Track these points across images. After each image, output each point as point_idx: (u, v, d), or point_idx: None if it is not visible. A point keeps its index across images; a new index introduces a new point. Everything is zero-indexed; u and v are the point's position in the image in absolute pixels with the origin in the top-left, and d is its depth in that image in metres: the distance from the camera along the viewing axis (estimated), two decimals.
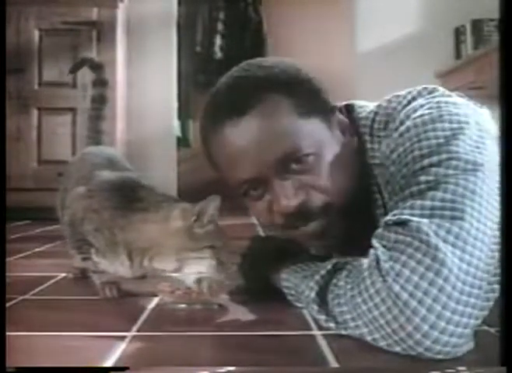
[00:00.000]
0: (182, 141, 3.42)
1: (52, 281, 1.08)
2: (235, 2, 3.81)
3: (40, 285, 1.03)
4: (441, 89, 0.78)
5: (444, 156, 0.66)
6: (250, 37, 3.79)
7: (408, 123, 0.72)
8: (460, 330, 0.57)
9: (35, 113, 2.69)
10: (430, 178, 0.65)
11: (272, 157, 0.74)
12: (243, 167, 0.75)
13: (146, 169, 2.59)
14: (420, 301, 0.57)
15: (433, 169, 0.65)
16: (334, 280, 0.69)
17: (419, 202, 0.63)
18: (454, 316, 0.57)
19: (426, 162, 0.66)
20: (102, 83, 1.24)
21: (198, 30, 3.74)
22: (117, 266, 0.88)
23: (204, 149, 0.83)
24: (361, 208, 0.80)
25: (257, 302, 0.86)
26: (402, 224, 0.62)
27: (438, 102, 0.73)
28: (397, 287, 0.58)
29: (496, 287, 0.61)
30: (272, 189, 0.76)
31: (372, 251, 0.65)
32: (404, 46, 3.11)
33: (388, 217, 0.65)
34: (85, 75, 1.29)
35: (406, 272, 0.59)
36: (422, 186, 0.65)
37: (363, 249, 0.67)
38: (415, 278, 0.58)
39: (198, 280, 0.83)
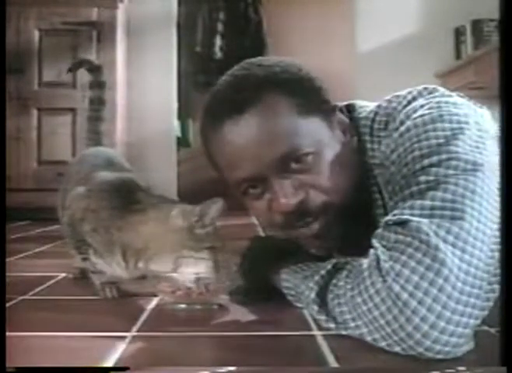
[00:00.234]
0: (182, 141, 3.42)
1: (52, 281, 1.08)
2: (235, 2, 3.81)
3: (40, 285, 1.03)
4: (441, 89, 0.78)
5: (444, 156, 0.66)
6: (250, 37, 3.78)
7: (409, 123, 0.72)
8: (460, 330, 0.57)
9: (35, 113, 2.69)
10: (430, 178, 0.65)
11: (272, 156, 0.74)
12: (243, 166, 0.75)
13: (146, 169, 2.59)
14: (420, 301, 0.57)
15: (433, 169, 0.65)
16: (334, 281, 0.69)
17: (419, 202, 0.63)
18: (453, 316, 0.57)
19: (426, 162, 0.66)
20: (99, 85, 1.24)
21: (198, 30, 3.74)
22: (114, 267, 0.88)
23: (204, 148, 0.83)
24: (361, 208, 0.80)
25: (257, 302, 0.86)
26: (402, 224, 0.63)
27: (438, 102, 0.73)
28: (397, 287, 0.58)
29: (496, 287, 0.61)
30: (272, 187, 0.76)
31: (372, 251, 0.65)
32: (404, 46, 3.11)
33: (388, 217, 0.65)
34: (85, 76, 1.29)
35: (406, 272, 0.59)
36: (422, 186, 0.65)
37: (363, 249, 0.67)
38: (415, 278, 0.58)
39: (199, 281, 0.83)
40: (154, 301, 0.88)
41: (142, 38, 3.07)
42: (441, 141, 0.67)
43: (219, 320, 0.79)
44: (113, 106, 2.56)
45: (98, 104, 1.23)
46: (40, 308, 0.87)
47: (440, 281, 0.57)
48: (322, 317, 0.70)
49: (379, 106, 0.82)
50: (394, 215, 0.65)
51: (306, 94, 0.77)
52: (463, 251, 0.59)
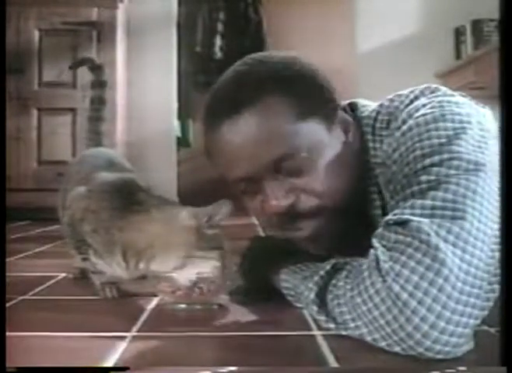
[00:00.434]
0: (182, 141, 3.42)
1: (52, 281, 1.08)
2: (235, 2, 3.81)
3: (40, 285, 1.03)
4: (443, 89, 0.78)
5: (446, 156, 0.65)
6: (250, 37, 3.78)
7: (411, 122, 0.72)
8: (460, 330, 0.57)
9: (35, 113, 2.69)
10: (432, 177, 0.65)
11: (266, 157, 0.74)
12: (240, 165, 0.75)
13: (146, 170, 2.59)
14: (420, 301, 0.57)
15: (435, 169, 0.65)
16: (334, 281, 0.69)
17: (419, 202, 0.63)
18: (453, 316, 0.57)
19: (427, 161, 0.66)
20: (100, 85, 1.24)
21: (198, 30, 3.74)
22: (114, 268, 0.88)
23: (204, 146, 0.83)
24: (358, 209, 0.80)
25: (257, 302, 0.86)
26: (403, 224, 0.62)
27: (440, 101, 0.73)
28: (397, 288, 0.58)
29: (497, 287, 0.61)
30: (264, 189, 0.76)
31: (372, 251, 0.65)
32: (404, 46, 3.11)
33: (389, 217, 0.65)
34: (85, 76, 1.29)
35: (406, 272, 0.59)
36: (424, 186, 0.65)
37: (362, 250, 0.67)
38: (415, 278, 0.58)
39: (199, 281, 0.83)
40: (154, 301, 0.88)
41: (142, 38, 3.07)
42: (443, 140, 0.67)
43: (219, 320, 0.79)
44: (113, 106, 2.56)
45: (98, 104, 1.23)
46: (40, 308, 0.87)
47: (440, 281, 0.57)
48: (322, 317, 0.70)
49: (381, 105, 0.82)
50: (395, 215, 0.65)
51: (308, 93, 0.76)
52: (463, 251, 0.59)
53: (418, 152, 0.68)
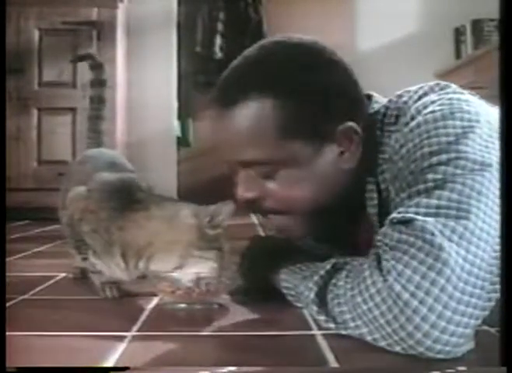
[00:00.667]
0: (182, 141, 3.42)
1: (52, 281, 1.08)
2: (235, 2, 3.80)
3: (40, 285, 1.03)
4: (453, 86, 0.78)
5: (453, 155, 0.65)
6: (250, 37, 3.77)
7: (419, 118, 0.71)
8: (461, 330, 0.57)
9: (35, 113, 2.69)
10: (438, 176, 0.64)
11: (238, 158, 0.77)
12: (219, 151, 0.80)
13: (146, 169, 2.59)
14: (421, 301, 0.57)
15: (442, 168, 0.65)
16: (334, 281, 0.69)
17: (425, 200, 0.63)
18: (454, 316, 0.57)
19: (434, 159, 0.66)
20: (100, 83, 1.24)
21: (198, 30, 3.73)
22: (114, 268, 0.88)
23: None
24: (348, 209, 0.80)
25: (257, 302, 0.86)
26: (407, 223, 0.62)
27: (450, 98, 0.72)
28: (398, 287, 0.58)
29: (499, 287, 0.61)
30: (237, 175, 0.80)
31: (372, 250, 0.65)
32: (404, 46, 3.11)
33: (393, 215, 0.65)
34: (85, 75, 1.29)
35: (408, 272, 0.58)
36: (429, 185, 0.64)
37: (361, 248, 0.67)
38: (417, 278, 0.58)
39: (199, 280, 0.83)
40: (154, 301, 0.88)
41: (142, 38, 3.07)
42: (451, 139, 0.67)
43: (219, 320, 0.79)
44: (113, 106, 2.56)
45: (98, 103, 1.23)
46: (40, 308, 0.86)
47: (442, 281, 0.57)
48: (322, 317, 0.70)
49: (390, 101, 0.81)
50: (399, 213, 0.64)
51: (314, 106, 0.75)
52: (467, 251, 0.59)
53: (425, 150, 0.67)
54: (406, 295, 0.58)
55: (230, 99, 0.76)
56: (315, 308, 0.70)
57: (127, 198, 0.87)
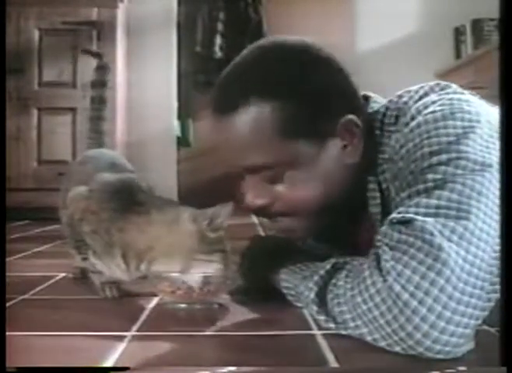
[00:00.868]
0: (182, 141, 3.42)
1: (52, 281, 1.08)
2: (235, 2, 3.80)
3: (40, 285, 1.03)
4: (454, 86, 0.78)
5: (454, 155, 0.65)
6: (250, 37, 3.77)
7: (420, 118, 0.71)
8: (460, 330, 0.57)
9: (35, 113, 2.69)
10: (438, 176, 0.64)
11: (243, 164, 0.77)
12: (224, 159, 0.79)
13: (146, 169, 2.59)
14: (421, 301, 0.57)
15: (442, 168, 0.65)
16: (334, 281, 0.69)
17: (424, 200, 0.63)
18: (454, 316, 0.57)
19: (434, 159, 0.66)
20: (101, 84, 1.24)
21: (198, 30, 3.73)
22: (114, 269, 0.88)
23: None
24: (351, 208, 0.80)
25: (257, 302, 0.86)
26: (407, 223, 0.62)
27: (451, 99, 0.72)
28: (398, 287, 0.58)
29: (498, 287, 0.61)
30: (244, 182, 0.79)
31: (372, 250, 0.65)
32: (404, 46, 3.11)
33: (393, 215, 0.65)
34: (85, 75, 1.29)
35: (407, 272, 0.58)
36: (429, 185, 0.64)
37: (361, 248, 0.67)
38: (417, 278, 0.58)
39: (199, 280, 0.83)
40: (154, 301, 0.88)
41: (142, 38, 3.06)
42: (452, 139, 0.67)
43: (220, 320, 0.79)
44: (113, 106, 2.56)
45: (99, 103, 1.23)
46: (40, 308, 0.86)
47: (442, 281, 0.57)
48: (322, 317, 0.70)
49: (390, 101, 0.81)
50: (399, 213, 0.64)
51: (311, 104, 0.75)
52: (467, 251, 0.59)
53: (425, 150, 0.67)
54: (406, 295, 0.58)
55: (228, 106, 0.76)
56: (315, 308, 0.70)
57: (127, 199, 0.87)
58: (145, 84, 3.07)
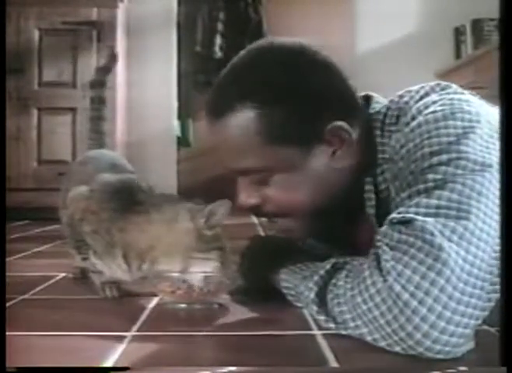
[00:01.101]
0: (182, 141, 3.42)
1: (52, 281, 1.08)
2: (235, 2, 3.80)
3: (40, 285, 1.03)
4: (454, 86, 0.78)
5: (454, 155, 0.65)
6: (250, 37, 3.77)
7: (420, 118, 0.71)
8: (460, 330, 0.57)
9: (35, 113, 2.69)
10: (438, 176, 0.64)
11: (232, 167, 0.78)
12: (218, 160, 0.81)
13: (146, 169, 2.59)
14: (421, 301, 0.57)
15: (442, 168, 0.65)
16: (334, 281, 0.69)
17: (425, 200, 0.63)
18: (454, 316, 0.57)
19: (435, 159, 0.66)
20: (100, 84, 1.24)
21: (198, 30, 3.73)
22: (115, 269, 0.88)
23: None
24: (346, 210, 0.80)
25: (257, 302, 0.86)
26: (407, 223, 0.62)
27: (451, 99, 0.72)
28: (398, 287, 0.58)
29: (499, 287, 0.61)
30: (237, 182, 0.80)
31: (372, 250, 0.65)
32: (404, 46, 3.11)
33: (393, 215, 0.65)
34: (85, 75, 1.29)
35: (408, 272, 0.58)
36: (430, 185, 0.64)
37: (361, 248, 0.67)
38: (417, 278, 0.58)
39: (199, 280, 0.83)
40: (154, 301, 0.88)
41: (141, 38, 3.07)
42: (452, 139, 0.67)
43: (219, 320, 0.79)
44: (113, 106, 2.56)
45: (99, 103, 1.23)
46: (40, 308, 0.86)
47: (442, 281, 0.57)
48: (322, 317, 0.70)
49: (391, 101, 0.81)
50: (399, 213, 0.64)
51: (302, 109, 0.75)
52: (467, 251, 0.59)
53: (426, 150, 0.67)
54: (406, 295, 0.58)
55: (220, 109, 0.77)
56: (315, 308, 0.70)
57: (128, 199, 0.88)
58: (145, 84, 3.07)
